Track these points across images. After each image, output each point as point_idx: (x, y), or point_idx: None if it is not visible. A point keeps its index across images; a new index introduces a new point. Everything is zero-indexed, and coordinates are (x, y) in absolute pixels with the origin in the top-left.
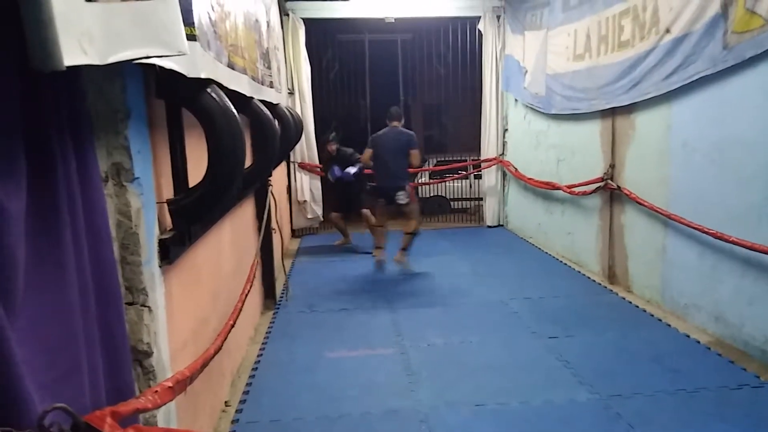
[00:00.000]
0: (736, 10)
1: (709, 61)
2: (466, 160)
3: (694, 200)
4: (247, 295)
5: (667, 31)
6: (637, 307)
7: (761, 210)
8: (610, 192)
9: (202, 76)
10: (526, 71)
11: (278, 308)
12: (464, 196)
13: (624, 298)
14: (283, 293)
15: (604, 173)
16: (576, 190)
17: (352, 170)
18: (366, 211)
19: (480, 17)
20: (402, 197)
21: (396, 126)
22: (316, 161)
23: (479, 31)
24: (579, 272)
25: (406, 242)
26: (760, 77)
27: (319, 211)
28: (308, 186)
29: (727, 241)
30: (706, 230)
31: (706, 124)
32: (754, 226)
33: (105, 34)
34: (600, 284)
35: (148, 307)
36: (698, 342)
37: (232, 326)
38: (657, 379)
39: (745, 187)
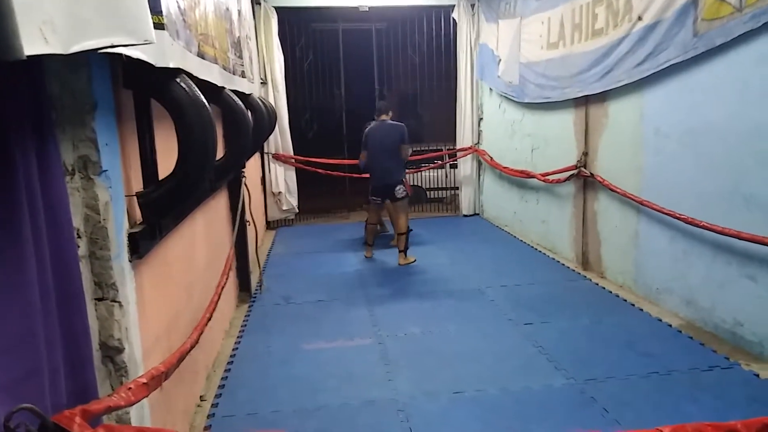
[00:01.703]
0: None
1: (680, 48)
2: (441, 150)
3: (666, 186)
4: (222, 289)
5: (640, 18)
6: (611, 292)
7: (731, 195)
8: (584, 179)
9: (171, 65)
10: (500, 60)
11: (253, 301)
12: (440, 186)
13: (597, 284)
14: (258, 286)
15: (578, 161)
16: (550, 178)
17: None
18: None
19: (454, 6)
20: (400, 191)
21: (385, 119)
22: (291, 152)
23: (453, 19)
24: (554, 259)
25: (402, 243)
26: (730, 64)
27: (294, 202)
28: (283, 177)
29: (698, 227)
30: (678, 215)
31: (678, 111)
32: (724, 211)
33: (68, 23)
34: (574, 271)
35: (119, 302)
36: (670, 326)
37: (209, 320)
38: (630, 363)
39: (716, 173)
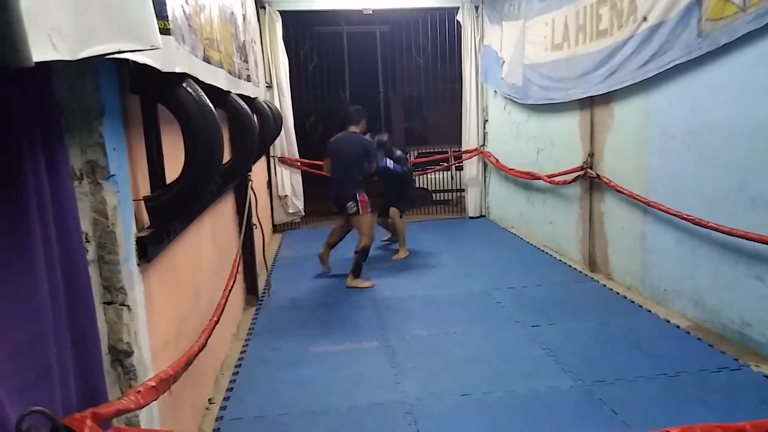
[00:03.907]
0: None
1: (684, 48)
2: (447, 152)
3: (673, 187)
4: (229, 292)
5: (644, 19)
6: (618, 293)
7: (738, 195)
8: (590, 181)
9: (177, 70)
10: (504, 62)
11: (261, 304)
12: (446, 188)
13: (605, 285)
14: (265, 289)
15: (583, 162)
16: (556, 179)
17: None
18: (394, 211)
19: (458, 8)
20: (351, 207)
21: (354, 131)
22: (296, 155)
23: (458, 21)
24: (560, 261)
25: (354, 262)
26: (734, 64)
27: (300, 205)
28: (289, 180)
29: (705, 227)
30: (685, 216)
31: (684, 111)
32: (730, 211)
33: (75, 29)
34: (581, 272)
35: (127, 306)
36: (678, 327)
37: (216, 323)
38: (638, 365)
39: (722, 173)
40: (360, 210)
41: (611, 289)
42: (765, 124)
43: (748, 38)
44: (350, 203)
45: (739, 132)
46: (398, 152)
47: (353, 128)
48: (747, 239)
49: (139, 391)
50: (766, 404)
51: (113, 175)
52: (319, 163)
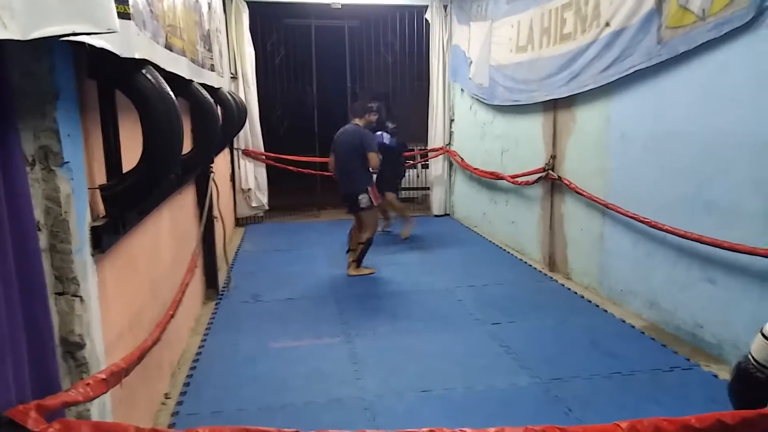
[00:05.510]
0: (670, 6)
1: (645, 55)
2: (413, 150)
3: (631, 190)
4: (187, 285)
5: (607, 24)
6: (576, 293)
7: (694, 199)
8: (551, 182)
9: (137, 56)
10: (471, 62)
11: (221, 299)
12: (412, 186)
13: (563, 285)
14: (225, 283)
15: (546, 164)
16: (519, 180)
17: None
18: (390, 195)
19: (427, 6)
20: (363, 200)
21: (356, 123)
22: (261, 148)
23: (426, 20)
24: (521, 260)
25: (359, 253)
26: (693, 72)
27: (264, 199)
28: (253, 174)
29: (661, 230)
30: (642, 219)
31: (644, 116)
32: (687, 215)
33: (27, 8)
34: (541, 272)
35: (80, 297)
36: (633, 327)
37: (172, 316)
38: (594, 363)
39: (679, 178)
40: (373, 202)
41: (569, 289)
42: (722, 132)
43: (707, 47)
44: (362, 196)
45: (697, 139)
46: (391, 125)
47: (357, 121)
48: (701, 242)
49: (89, 383)
50: (715, 402)
51: (67, 162)
52: (284, 157)
